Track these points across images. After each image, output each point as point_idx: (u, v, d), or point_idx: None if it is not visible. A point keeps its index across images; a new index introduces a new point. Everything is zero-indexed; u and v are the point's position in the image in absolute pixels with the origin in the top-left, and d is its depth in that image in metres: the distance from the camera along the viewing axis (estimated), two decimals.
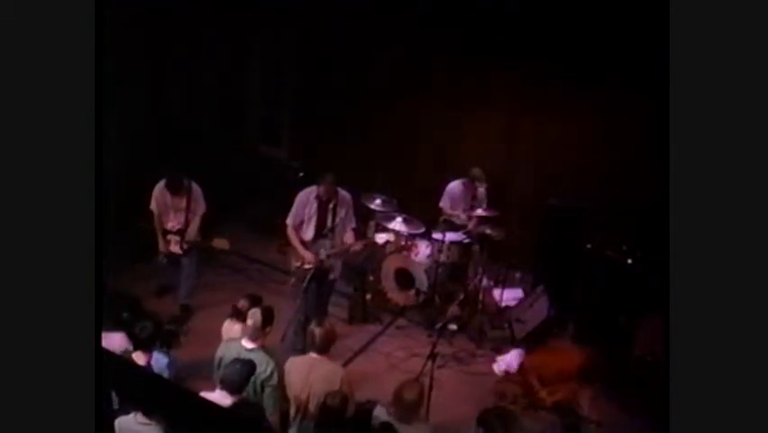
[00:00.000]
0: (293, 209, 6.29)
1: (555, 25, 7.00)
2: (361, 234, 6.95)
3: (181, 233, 6.71)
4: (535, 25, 7.13)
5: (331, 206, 6.19)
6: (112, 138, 6.79)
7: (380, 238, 6.52)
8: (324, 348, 4.60)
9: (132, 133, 7.89)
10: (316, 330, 4.59)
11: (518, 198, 7.90)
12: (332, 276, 6.40)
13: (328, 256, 6.18)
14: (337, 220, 6.20)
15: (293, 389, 4.60)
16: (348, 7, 8.01)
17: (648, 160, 6.76)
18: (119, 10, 6.74)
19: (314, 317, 5.49)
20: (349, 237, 6.35)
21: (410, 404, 4.29)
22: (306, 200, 6.24)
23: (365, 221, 7.54)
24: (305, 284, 6.02)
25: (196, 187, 6.70)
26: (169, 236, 6.71)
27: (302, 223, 6.27)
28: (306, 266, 6.13)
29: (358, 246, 6.43)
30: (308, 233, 6.25)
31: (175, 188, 6.58)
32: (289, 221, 6.29)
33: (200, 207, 6.74)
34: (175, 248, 6.74)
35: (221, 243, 6.80)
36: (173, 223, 6.69)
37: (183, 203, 6.64)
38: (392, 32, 8.00)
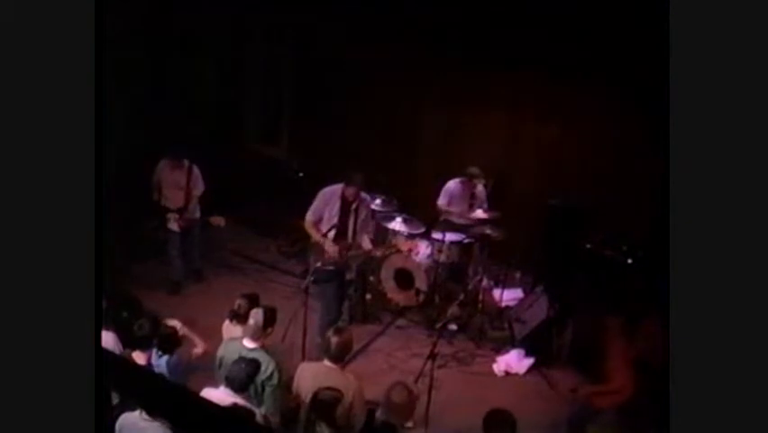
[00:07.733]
0: (314, 205, 6.05)
1: (555, 25, 7.00)
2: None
3: (180, 211, 6.96)
4: (535, 25, 7.12)
5: (353, 207, 6.00)
6: (111, 138, 6.80)
7: (404, 246, 6.50)
8: (339, 357, 4.41)
9: (132, 133, 7.90)
10: (333, 338, 4.37)
11: (518, 198, 7.90)
12: (348, 276, 6.34)
13: (348, 259, 6.05)
14: (358, 223, 6.03)
15: (302, 395, 4.42)
16: (348, 7, 8.01)
17: (648, 160, 6.76)
18: (119, 9, 6.75)
19: (333, 319, 5.38)
20: (365, 241, 6.26)
21: (398, 407, 4.10)
22: (329, 198, 6.00)
23: None
24: (305, 284, 5.82)
25: (195, 168, 7.02)
26: (168, 214, 6.96)
27: (320, 220, 6.02)
28: (328, 267, 5.91)
29: (379, 253, 6.38)
30: (327, 233, 6.00)
31: (174, 162, 6.90)
32: (309, 216, 6.05)
33: (199, 187, 7.04)
34: (173, 226, 6.98)
35: (217, 219, 7.23)
36: (173, 201, 6.95)
37: (183, 180, 6.93)
38: (392, 33, 8.00)
